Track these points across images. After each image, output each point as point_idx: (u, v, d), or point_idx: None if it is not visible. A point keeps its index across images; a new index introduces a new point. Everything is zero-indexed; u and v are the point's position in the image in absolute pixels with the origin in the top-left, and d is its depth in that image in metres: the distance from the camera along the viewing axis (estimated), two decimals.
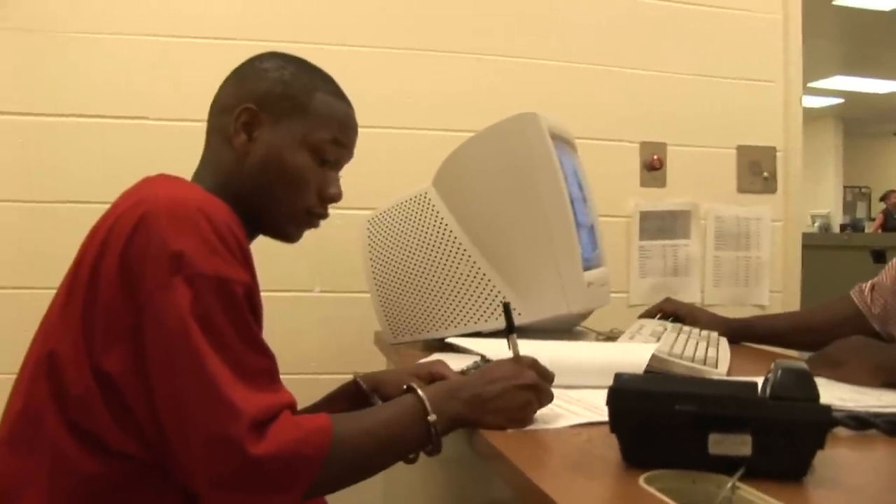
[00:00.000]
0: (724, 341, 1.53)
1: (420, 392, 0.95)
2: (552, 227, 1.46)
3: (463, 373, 1.17)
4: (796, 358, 1.42)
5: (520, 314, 1.45)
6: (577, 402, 1.05)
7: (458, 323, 1.51)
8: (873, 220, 10.70)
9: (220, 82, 1.14)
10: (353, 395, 1.25)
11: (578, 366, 1.16)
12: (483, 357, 1.25)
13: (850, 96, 10.09)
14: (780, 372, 0.76)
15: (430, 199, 1.54)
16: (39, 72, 1.95)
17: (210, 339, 0.85)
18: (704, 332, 1.55)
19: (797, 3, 2.37)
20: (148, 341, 0.86)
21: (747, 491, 0.68)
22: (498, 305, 1.47)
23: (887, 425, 0.91)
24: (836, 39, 7.17)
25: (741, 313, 1.84)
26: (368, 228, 1.61)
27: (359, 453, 0.91)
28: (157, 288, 0.86)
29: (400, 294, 1.56)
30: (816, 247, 4.35)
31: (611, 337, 1.62)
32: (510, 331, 1.03)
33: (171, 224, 0.88)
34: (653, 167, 2.28)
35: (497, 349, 1.11)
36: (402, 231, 1.57)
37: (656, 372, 1.15)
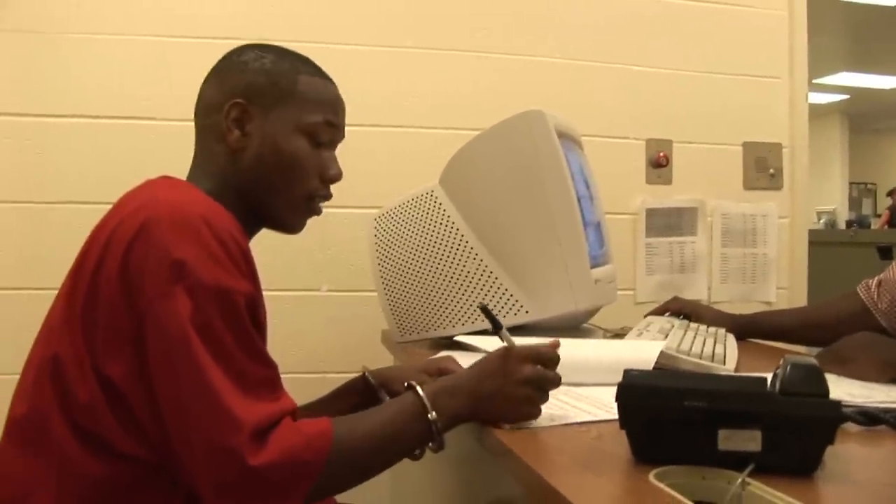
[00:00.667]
0: (731, 338, 1.53)
1: (419, 390, 0.95)
2: (559, 225, 1.46)
3: None
4: (804, 354, 1.42)
5: (527, 312, 1.45)
6: (586, 399, 1.05)
7: (466, 321, 1.51)
8: (879, 216, 10.66)
9: None
10: (361, 391, 1.25)
11: (588, 364, 1.16)
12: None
13: (855, 92, 10.05)
14: (789, 367, 0.76)
15: (436, 197, 1.54)
16: (37, 73, 1.95)
17: (211, 350, 0.85)
18: (712, 329, 1.55)
19: (802, 0, 2.37)
20: (149, 349, 0.86)
21: (757, 486, 0.68)
22: (506, 303, 1.47)
23: None
24: (841, 35, 7.15)
25: (748, 310, 1.84)
26: (375, 227, 1.62)
27: (360, 455, 0.92)
28: (158, 296, 0.85)
29: (407, 292, 1.57)
30: (823, 243, 4.35)
31: (619, 334, 1.62)
32: (497, 329, 1.03)
33: (173, 231, 0.87)
34: (659, 164, 2.28)
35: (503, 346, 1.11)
36: (408, 229, 1.57)
37: (665, 368, 1.15)
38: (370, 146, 2.04)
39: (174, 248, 0.86)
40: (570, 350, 1.09)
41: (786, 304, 2.32)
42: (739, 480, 0.69)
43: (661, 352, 1.16)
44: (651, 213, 2.28)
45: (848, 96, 10.42)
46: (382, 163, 2.06)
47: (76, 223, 1.93)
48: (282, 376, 0.93)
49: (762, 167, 2.35)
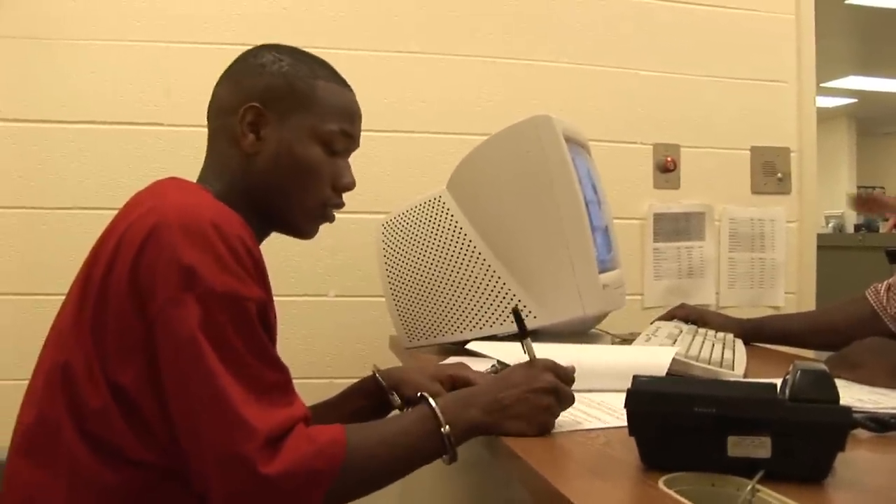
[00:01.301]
0: (739, 343, 1.53)
1: (432, 402, 0.94)
2: (567, 230, 1.46)
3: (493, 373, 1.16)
4: (813, 359, 1.42)
5: (535, 317, 1.45)
6: (597, 405, 1.05)
7: (474, 326, 1.51)
8: (887, 220, 10.60)
9: None
10: (371, 393, 1.22)
11: (599, 370, 1.16)
12: (499, 362, 1.24)
13: (863, 96, 10.01)
14: (799, 373, 0.76)
15: (444, 203, 1.54)
16: (35, 78, 1.96)
17: (221, 356, 0.84)
18: (720, 334, 1.54)
19: (810, 3, 2.37)
20: (160, 357, 0.86)
21: (767, 493, 0.68)
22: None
23: None
24: (849, 39, 7.12)
25: (756, 314, 1.83)
26: (383, 232, 1.62)
27: (373, 465, 0.91)
28: (168, 302, 0.85)
29: (415, 298, 1.57)
30: (831, 247, 4.32)
31: (627, 340, 1.61)
32: (523, 335, 1.02)
33: (183, 237, 0.87)
34: (666, 169, 2.28)
35: (513, 353, 1.11)
36: (416, 234, 1.57)
37: (674, 374, 1.15)
38: (378, 152, 2.05)
39: (184, 254, 0.86)
40: (585, 355, 1.09)
41: (794, 308, 2.31)
42: (749, 487, 0.69)
43: (674, 358, 1.16)
44: (659, 218, 2.28)
45: (856, 100, 10.37)
46: (390, 168, 2.07)
47: (77, 228, 1.96)
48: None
49: (770, 171, 2.35)
